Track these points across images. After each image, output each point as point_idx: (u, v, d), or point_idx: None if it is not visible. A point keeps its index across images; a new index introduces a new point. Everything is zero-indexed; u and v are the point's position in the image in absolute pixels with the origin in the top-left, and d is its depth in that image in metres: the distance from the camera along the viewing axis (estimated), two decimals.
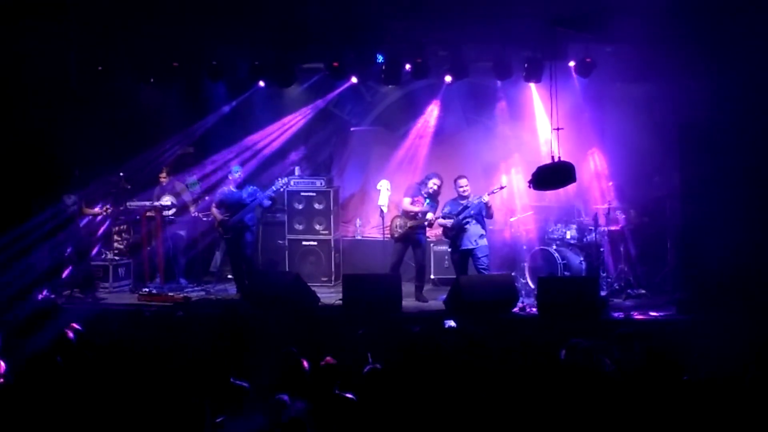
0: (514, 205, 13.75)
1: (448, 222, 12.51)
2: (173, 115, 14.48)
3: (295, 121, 14.76)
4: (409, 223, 12.60)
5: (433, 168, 13.58)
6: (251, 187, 13.11)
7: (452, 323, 9.41)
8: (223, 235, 13.31)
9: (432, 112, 14.63)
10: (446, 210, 12.66)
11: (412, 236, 12.67)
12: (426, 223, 12.61)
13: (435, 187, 12.66)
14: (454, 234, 12.54)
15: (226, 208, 12.98)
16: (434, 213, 12.70)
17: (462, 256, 12.59)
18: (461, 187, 12.57)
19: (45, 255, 12.96)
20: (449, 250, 13.12)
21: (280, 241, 14.66)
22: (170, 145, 14.43)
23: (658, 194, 13.17)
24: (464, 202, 12.50)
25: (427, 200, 12.63)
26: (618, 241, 12.77)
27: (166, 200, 13.65)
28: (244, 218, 12.91)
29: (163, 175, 13.86)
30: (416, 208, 12.65)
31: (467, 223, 12.45)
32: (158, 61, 13.28)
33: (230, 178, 13.15)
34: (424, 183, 12.76)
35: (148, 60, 13.26)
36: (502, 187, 12.68)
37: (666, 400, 6.16)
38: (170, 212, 13.67)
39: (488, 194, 12.39)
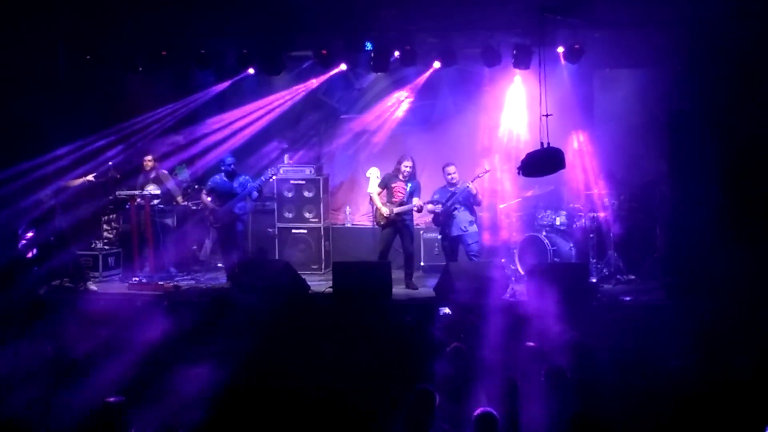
0: (502, 192, 13.76)
1: (438, 208, 12.51)
2: (162, 104, 14.41)
3: (280, 101, 14.64)
4: (396, 209, 12.60)
5: (423, 155, 13.60)
6: (243, 177, 13.08)
7: (447, 311, 9.47)
8: (213, 224, 13.32)
9: (406, 98, 14.70)
10: (435, 197, 12.66)
11: (398, 222, 12.66)
12: (415, 209, 12.59)
13: (409, 169, 12.57)
14: (444, 221, 12.57)
15: (217, 196, 12.98)
16: (419, 195, 12.62)
17: (452, 243, 12.61)
18: (449, 174, 12.56)
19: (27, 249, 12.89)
20: (439, 237, 13.15)
21: (270, 230, 14.65)
22: (140, 126, 14.23)
23: (647, 180, 13.21)
24: (452, 189, 12.51)
25: (409, 184, 12.62)
26: (607, 227, 12.78)
27: (152, 188, 13.59)
28: (234, 208, 12.90)
29: (149, 160, 13.77)
30: (379, 204, 12.62)
31: (455, 209, 12.45)
32: (146, 50, 13.25)
33: (222, 168, 13.12)
34: (398, 169, 12.73)
35: (136, 49, 13.22)
36: (486, 171, 12.65)
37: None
38: (157, 201, 13.64)
39: (472, 180, 12.40)
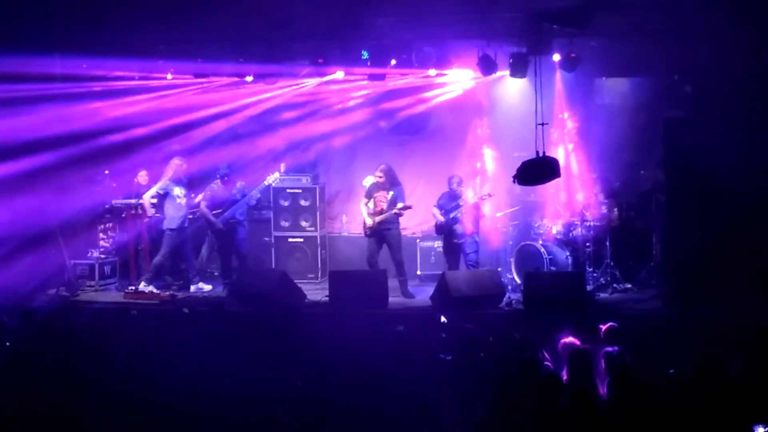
0: (499, 201, 13.73)
1: (439, 215, 12.53)
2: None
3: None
4: (377, 218, 12.62)
5: (419, 164, 13.61)
6: (240, 183, 13.09)
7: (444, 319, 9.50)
8: (213, 232, 13.31)
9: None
10: (441, 202, 12.70)
11: (381, 231, 12.71)
12: (394, 211, 12.58)
13: (381, 178, 12.70)
14: (445, 229, 12.60)
15: (216, 205, 12.97)
16: (403, 200, 12.67)
17: (452, 251, 12.69)
18: (453, 185, 12.60)
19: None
20: (436, 246, 13.18)
21: (266, 238, 14.63)
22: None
23: (643, 189, 13.22)
24: (458, 200, 12.53)
25: (390, 192, 12.67)
26: (604, 235, 12.77)
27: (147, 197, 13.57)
28: (235, 214, 12.92)
29: (143, 174, 13.75)
30: (365, 215, 12.77)
31: (457, 219, 12.49)
32: (144, 59, 13.26)
33: (218, 175, 13.12)
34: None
35: (131, 56, 13.22)
36: (490, 195, 12.60)
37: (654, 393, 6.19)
38: (154, 210, 13.62)
39: (478, 198, 12.45)
